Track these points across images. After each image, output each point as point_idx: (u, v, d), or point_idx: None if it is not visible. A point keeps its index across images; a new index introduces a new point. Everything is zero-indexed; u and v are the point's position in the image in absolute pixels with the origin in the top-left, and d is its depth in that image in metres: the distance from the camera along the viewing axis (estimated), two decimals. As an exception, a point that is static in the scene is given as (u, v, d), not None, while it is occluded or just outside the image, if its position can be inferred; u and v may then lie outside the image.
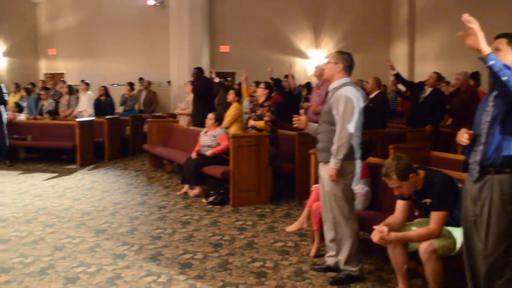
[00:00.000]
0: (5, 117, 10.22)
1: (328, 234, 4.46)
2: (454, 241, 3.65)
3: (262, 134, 7.23)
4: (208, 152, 7.62)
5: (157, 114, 13.49)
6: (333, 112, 4.19)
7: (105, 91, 12.96)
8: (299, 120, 4.49)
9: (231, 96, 8.31)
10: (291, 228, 5.21)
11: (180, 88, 15.10)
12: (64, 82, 13.58)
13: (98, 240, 5.46)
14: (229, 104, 8.52)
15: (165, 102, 15.78)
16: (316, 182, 5.00)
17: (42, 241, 5.40)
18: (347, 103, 4.12)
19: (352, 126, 4.09)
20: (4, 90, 10.14)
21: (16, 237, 5.53)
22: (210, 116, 7.89)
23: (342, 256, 4.31)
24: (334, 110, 4.18)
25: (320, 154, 4.38)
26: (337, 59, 4.32)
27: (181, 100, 14.40)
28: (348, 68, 4.32)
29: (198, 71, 9.63)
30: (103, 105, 12.59)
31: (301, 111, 4.98)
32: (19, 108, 11.85)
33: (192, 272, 4.52)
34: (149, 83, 14.89)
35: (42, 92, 12.60)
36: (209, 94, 9.37)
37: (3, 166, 10.13)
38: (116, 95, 14.04)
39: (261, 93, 7.76)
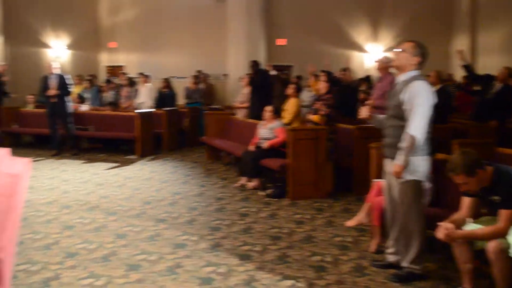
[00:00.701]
0: (71, 107, 10.56)
1: (394, 231, 4.35)
2: (524, 241, 3.52)
3: (320, 127, 7.17)
4: (265, 144, 7.63)
5: (214, 106, 13.59)
6: (405, 107, 4.04)
7: (167, 84, 13.13)
8: (362, 111, 4.40)
9: (291, 89, 8.30)
10: (351, 223, 5.15)
11: (236, 81, 15.17)
12: (123, 74, 13.89)
13: (158, 229, 5.55)
14: (285, 97, 8.53)
15: (222, 95, 15.87)
16: (378, 176, 4.92)
17: (104, 229, 5.54)
18: (423, 98, 3.96)
19: (425, 123, 3.95)
20: (70, 82, 10.47)
21: (80, 224, 5.70)
22: (268, 108, 7.89)
23: (408, 254, 4.21)
24: (406, 104, 4.03)
25: (388, 150, 4.26)
26: (415, 52, 4.13)
27: (237, 93, 14.50)
28: (422, 63, 4.19)
29: (255, 64, 9.64)
30: (164, 97, 12.75)
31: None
32: (81, 99, 12.19)
33: (252, 264, 4.53)
34: (207, 76, 15.01)
35: (103, 84, 12.91)
36: (266, 87, 9.38)
37: (67, 155, 10.47)
38: (179, 88, 14.22)
39: (322, 85, 7.73)
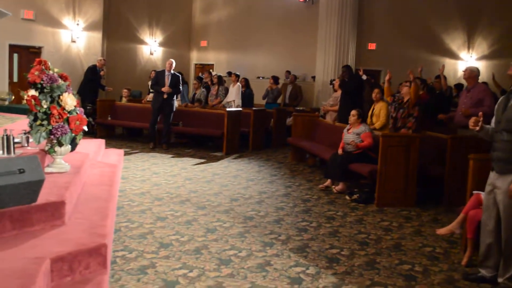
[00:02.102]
0: (176, 105, 10.98)
1: (493, 246, 4.23)
2: None
3: (413, 135, 7.06)
4: (349, 147, 7.60)
5: (300, 108, 13.63)
6: None
7: (246, 83, 13.31)
8: (471, 121, 4.24)
9: (375, 93, 8.25)
10: (442, 231, 5.02)
11: (324, 83, 15.15)
12: (209, 73, 14.21)
13: (246, 226, 5.65)
14: (372, 101, 8.50)
15: (309, 96, 15.87)
16: (476, 188, 4.78)
17: (195, 222, 5.70)
18: None
19: None
20: (182, 81, 10.92)
21: (172, 216, 5.90)
22: (353, 112, 7.83)
23: (508, 270, 4.08)
24: None
25: (498, 165, 4.13)
26: None
27: (324, 95, 14.48)
28: None
29: (348, 68, 9.60)
30: (243, 96, 12.94)
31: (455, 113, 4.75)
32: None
33: (340, 268, 4.53)
34: (295, 77, 15.07)
35: (194, 82, 13.26)
36: (358, 91, 9.30)
37: (158, 148, 10.85)
38: (262, 88, 14.40)
39: (406, 92, 7.66)
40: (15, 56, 13.41)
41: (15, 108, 10.79)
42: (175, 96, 10.98)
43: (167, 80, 10.74)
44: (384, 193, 6.90)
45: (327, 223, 5.98)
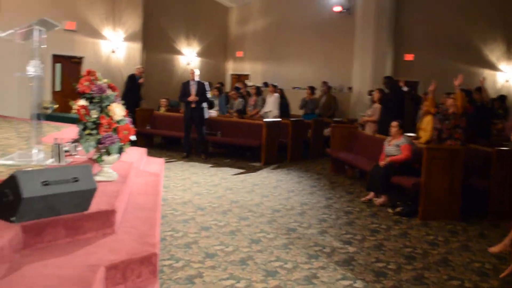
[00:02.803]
0: (207, 113, 11.03)
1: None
2: None
3: (457, 148, 6.95)
4: (382, 163, 7.50)
5: (338, 119, 13.55)
6: None
7: (281, 93, 13.29)
8: None
9: (426, 106, 8.12)
10: (495, 249, 4.92)
11: (360, 94, 15.06)
12: (244, 83, 14.26)
13: (290, 238, 5.62)
14: (414, 114, 8.40)
15: (345, 107, 15.77)
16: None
17: (239, 233, 5.70)
18: None
19: None
20: (208, 89, 10.94)
21: (215, 226, 5.91)
22: (394, 124, 7.74)
23: None
24: None
25: None
26: None
27: (361, 106, 14.37)
28: None
29: (389, 79, 9.50)
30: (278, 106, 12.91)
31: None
32: (211, 106, 12.63)
33: (388, 282, 4.47)
34: (329, 87, 15.00)
35: (232, 92, 13.32)
36: (398, 103, 9.20)
37: (196, 158, 10.92)
38: (297, 98, 14.38)
39: (450, 103, 7.54)
40: (58, 66, 13.70)
41: (57, 116, 11.01)
42: (204, 104, 10.98)
43: (193, 89, 10.79)
44: (428, 206, 6.78)
45: (371, 236, 5.91)
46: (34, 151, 5.00)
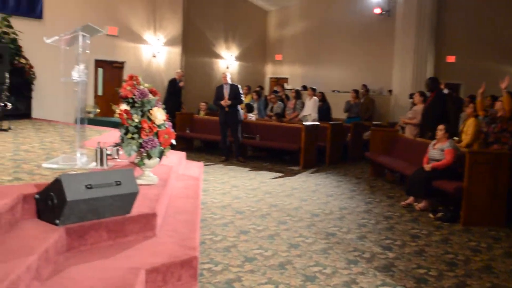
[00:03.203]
0: (241, 116, 11.08)
1: None
2: None
3: (502, 152, 6.79)
4: (427, 166, 7.38)
5: (377, 122, 13.43)
6: None
7: (322, 97, 13.24)
8: None
9: (470, 109, 7.96)
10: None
11: (400, 97, 14.89)
12: (282, 86, 14.26)
13: (329, 242, 5.60)
14: (457, 117, 8.23)
15: (384, 111, 15.62)
16: None
17: (277, 237, 5.70)
18: None
19: None
20: (241, 91, 10.99)
21: (254, 230, 5.93)
22: (440, 127, 7.60)
23: None
24: None
25: None
26: None
27: (401, 109, 14.19)
28: None
29: (432, 81, 9.33)
30: (320, 110, 12.85)
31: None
32: (250, 109, 12.69)
33: (429, 289, 4.40)
34: (367, 90, 14.88)
35: (272, 96, 13.35)
36: (440, 105, 9.04)
37: (234, 161, 10.98)
38: (337, 102, 14.32)
39: (499, 107, 7.36)
40: (100, 70, 13.98)
41: (100, 120, 11.24)
42: (238, 107, 11.02)
43: (226, 93, 10.85)
44: (470, 212, 6.64)
45: (411, 241, 5.82)
46: (78, 155, 5.11)
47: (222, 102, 10.78)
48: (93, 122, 11.23)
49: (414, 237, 6.00)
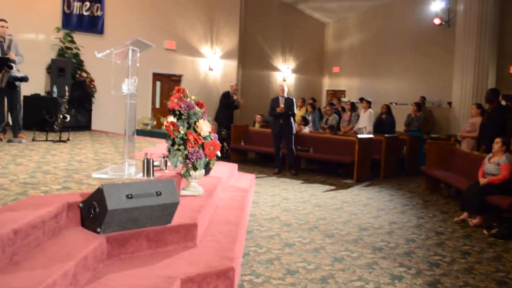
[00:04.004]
0: (294, 128, 11.10)
1: None
2: None
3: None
4: (482, 181, 7.15)
5: (435, 135, 13.11)
6: None
7: (387, 110, 13.02)
8: None
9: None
10: None
11: (460, 109, 14.49)
12: (338, 99, 14.17)
13: (375, 257, 5.51)
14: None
15: (444, 123, 15.24)
16: None
17: (322, 250, 5.66)
18: None
19: None
20: (295, 105, 11.03)
21: (299, 243, 5.91)
22: (497, 140, 7.35)
23: None
24: None
25: None
26: None
27: (461, 121, 13.81)
28: None
29: (492, 92, 9.03)
30: (384, 123, 12.64)
31: None
32: (304, 121, 12.68)
33: (475, 308, 4.26)
34: (424, 102, 14.56)
35: (327, 108, 13.30)
36: (499, 118, 8.73)
37: (287, 174, 11.00)
38: (394, 114, 14.08)
39: None
40: (158, 83, 14.33)
41: (156, 132, 11.52)
42: (291, 119, 11.03)
43: (281, 104, 10.88)
44: (527, 229, 6.39)
45: (461, 258, 5.65)
46: (126, 165, 5.26)
47: (278, 109, 10.83)
48: (150, 134, 11.53)
49: (464, 254, 5.81)
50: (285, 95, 11.00)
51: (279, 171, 11.16)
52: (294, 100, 11.19)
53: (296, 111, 11.27)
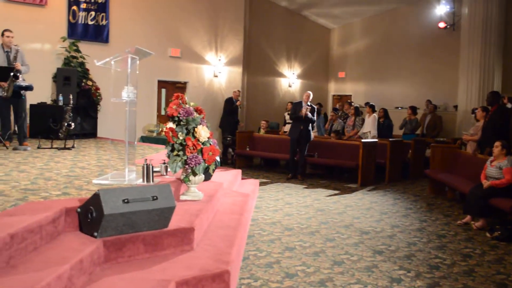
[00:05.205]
0: (312, 136, 11.14)
1: None
2: None
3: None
4: (486, 184, 7.14)
5: (440, 139, 13.10)
6: None
7: (384, 114, 13.06)
8: None
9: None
10: None
11: (466, 113, 14.45)
12: (350, 104, 14.17)
13: (375, 260, 5.52)
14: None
15: (450, 127, 15.20)
16: None
17: (322, 254, 5.69)
18: None
19: None
20: (315, 111, 11.14)
21: (300, 247, 5.93)
22: (497, 143, 7.35)
23: None
24: None
25: None
26: None
27: (467, 125, 13.77)
28: None
29: (492, 95, 9.04)
30: (381, 127, 12.68)
31: None
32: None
33: (472, 309, 4.27)
34: (435, 107, 14.56)
35: (332, 113, 13.33)
36: (501, 121, 8.72)
37: (293, 179, 11.03)
38: (400, 119, 14.09)
39: None
40: (163, 91, 14.42)
41: (162, 139, 11.59)
42: (311, 126, 11.07)
43: (303, 109, 10.92)
44: (529, 231, 6.38)
45: (462, 261, 5.65)
46: (127, 171, 5.32)
47: (301, 112, 10.90)
48: (154, 140, 11.61)
49: (465, 257, 5.81)
50: (309, 103, 11.05)
51: (293, 176, 11.19)
52: (316, 108, 11.28)
53: (315, 119, 11.31)
